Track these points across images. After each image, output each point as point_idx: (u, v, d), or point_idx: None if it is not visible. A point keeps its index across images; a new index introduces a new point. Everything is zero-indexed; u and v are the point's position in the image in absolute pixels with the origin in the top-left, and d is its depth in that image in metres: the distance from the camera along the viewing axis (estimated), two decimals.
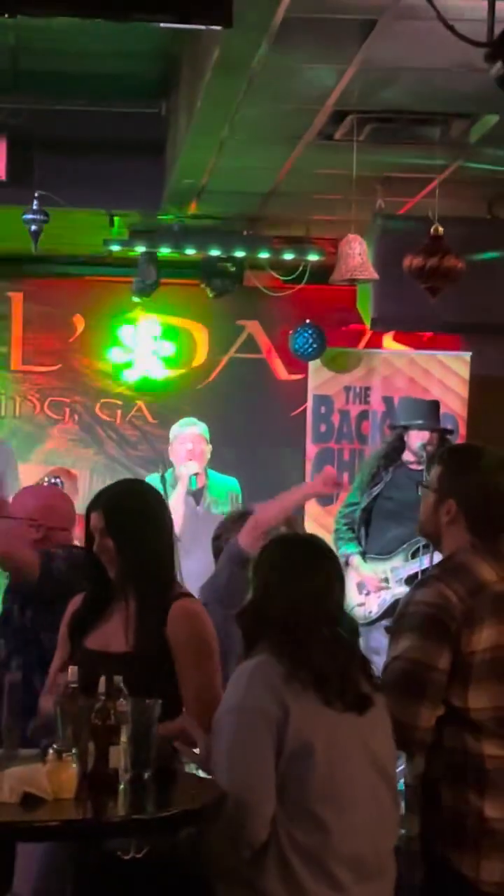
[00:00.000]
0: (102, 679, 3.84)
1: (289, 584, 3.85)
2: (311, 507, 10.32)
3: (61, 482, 8.45)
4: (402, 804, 4.05)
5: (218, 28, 4.60)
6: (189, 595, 4.51)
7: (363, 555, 8.78)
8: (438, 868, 3.93)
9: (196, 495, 8.85)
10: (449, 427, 9.45)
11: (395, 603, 8.38)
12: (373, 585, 8.68)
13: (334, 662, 3.78)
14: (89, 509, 4.54)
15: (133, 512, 4.49)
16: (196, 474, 8.79)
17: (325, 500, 10.30)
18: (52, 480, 8.49)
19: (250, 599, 3.92)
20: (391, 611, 8.36)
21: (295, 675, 3.71)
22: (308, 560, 3.92)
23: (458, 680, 3.89)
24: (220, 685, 4.27)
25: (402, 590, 8.42)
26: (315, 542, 4.11)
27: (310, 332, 10.20)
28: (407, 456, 8.88)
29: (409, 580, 8.44)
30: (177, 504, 8.45)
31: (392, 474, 8.88)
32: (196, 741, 4.16)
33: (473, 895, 3.89)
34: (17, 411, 11.01)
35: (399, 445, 8.93)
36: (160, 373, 10.96)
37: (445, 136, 7.31)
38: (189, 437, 8.97)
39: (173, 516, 4.77)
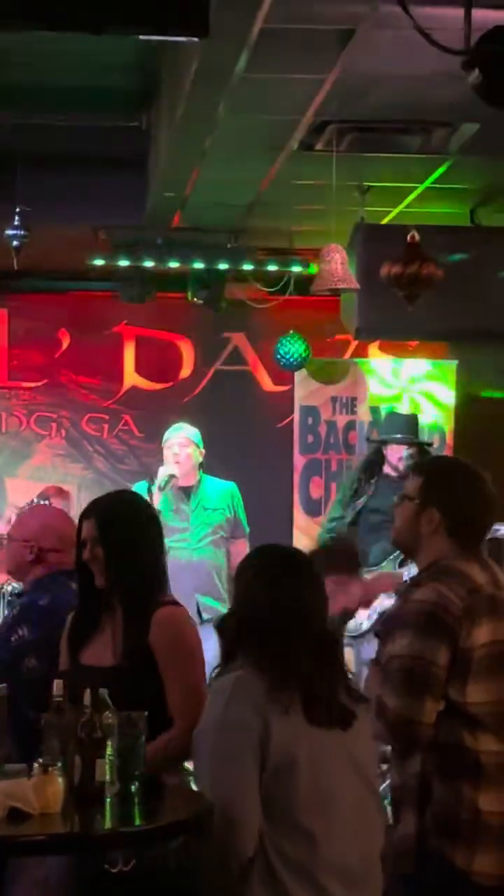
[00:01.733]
0: (88, 692, 3.83)
1: (270, 596, 3.83)
2: (300, 517, 10.33)
3: (49, 501, 8.44)
4: (389, 809, 4.06)
5: (195, 39, 4.60)
6: (174, 603, 4.47)
7: None
8: (432, 861, 3.96)
9: (187, 492, 8.77)
10: (427, 440, 9.45)
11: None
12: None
13: (319, 676, 3.76)
14: (82, 518, 4.55)
15: (124, 521, 4.50)
16: (171, 476, 8.74)
17: (313, 511, 10.32)
18: (42, 502, 8.48)
19: (231, 611, 3.92)
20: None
21: (278, 691, 3.70)
22: (289, 571, 3.90)
23: (457, 675, 3.93)
24: (199, 689, 4.24)
25: (390, 601, 8.39)
26: (296, 554, 4.09)
27: (294, 342, 10.20)
28: (387, 469, 8.88)
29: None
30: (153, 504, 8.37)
31: (375, 486, 8.87)
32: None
33: (466, 887, 3.93)
34: (3, 427, 11.00)
35: (378, 458, 8.93)
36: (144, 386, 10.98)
37: (426, 145, 7.32)
38: (175, 441, 8.94)
39: None
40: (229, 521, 8.92)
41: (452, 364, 10.51)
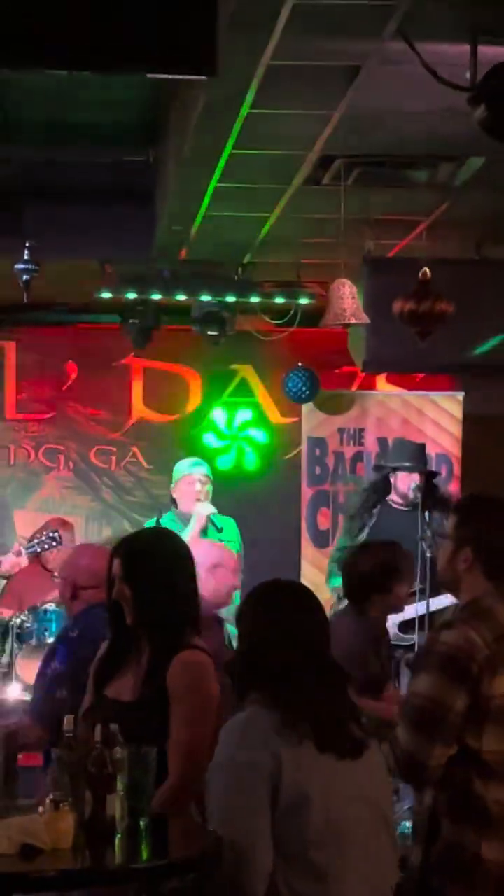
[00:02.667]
0: (99, 727, 3.84)
1: (273, 630, 3.84)
2: (307, 549, 10.33)
3: (59, 536, 8.47)
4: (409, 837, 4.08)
5: (203, 78, 4.63)
6: (198, 647, 4.42)
7: None
8: None
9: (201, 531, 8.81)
10: (434, 470, 9.46)
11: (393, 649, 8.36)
12: None
13: (328, 709, 3.77)
14: (112, 554, 4.56)
15: (150, 560, 4.48)
16: (212, 513, 8.78)
17: (321, 542, 10.32)
18: (50, 535, 8.50)
19: (238, 649, 3.92)
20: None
21: (289, 725, 3.70)
22: (292, 605, 3.91)
23: (475, 721, 3.94)
24: (196, 739, 4.19)
25: (393, 632, 8.40)
26: (297, 588, 4.09)
27: (303, 375, 10.22)
28: (393, 497, 8.88)
29: (403, 626, 8.40)
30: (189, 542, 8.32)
31: (377, 516, 8.88)
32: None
33: None
34: (11, 459, 11.02)
35: (385, 486, 8.93)
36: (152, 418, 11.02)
37: (432, 178, 7.35)
38: (197, 477, 8.96)
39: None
40: (239, 556, 8.94)
41: (459, 395, 10.53)
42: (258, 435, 11.11)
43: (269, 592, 4.00)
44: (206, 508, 8.76)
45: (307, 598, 3.99)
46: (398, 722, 3.99)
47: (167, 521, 8.71)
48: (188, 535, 8.55)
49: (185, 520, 8.72)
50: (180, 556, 4.57)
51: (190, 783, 4.06)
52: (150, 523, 8.78)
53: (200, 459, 9.24)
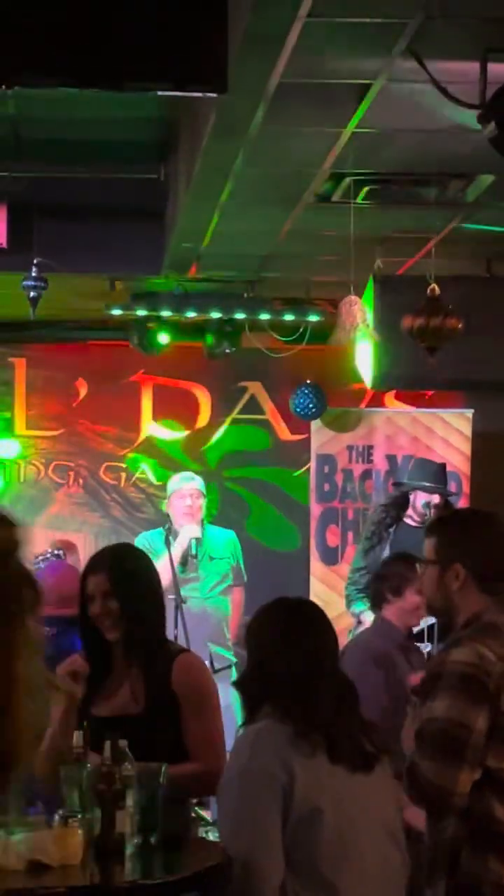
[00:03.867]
0: (108, 743, 3.84)
1: (283, 646, 3.86)
2: (316, 566, 10.32)
3: (63, 553, 8.48)
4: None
5: (214, 95, 4.64)
6: (186, 650, 4.64)
7: None
8: None
9: (185, 558, 8.78)
10: (452, 490, 9.48)
11: None
12: None
13: (340, 722, 3.77)
14: (87, 573, 4.59)
15: (135, 574, 4.58)
16: (197, 538, 8.77)
17: (329, 559, 10.32)
18: (55, 552, 8.51)
19: (249, 665, 3.93)
20: None
21: (302, 737, 3.71)
22: (302, 622, 3.93)
23: (496, 740, 3.82)
24: (222, 731, 4.38)
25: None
26: (306, 605, 4.14)
27: (310, 392, 10.23)
28: (409, 513, 8.90)
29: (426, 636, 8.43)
30: (166, 565, 8.22)
31: (394, 535, 8.90)
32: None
33: None
34: (21, 476, 11.03)
35: (402, 503, 8.96)
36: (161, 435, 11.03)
37: (442, 196, 7.36)
38: (188, 491, 8.96)
39: (161, 575, 4.89)
40: (234, 569, 8.96)
41: (468, 413, 10.52)
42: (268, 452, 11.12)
43: (278, 610, 4.02)
44: (192, 531, 8.75)
45: (315, 615, 4.01)
46: (415, 751, 3.85)
47: (153, 537, 8.71)
48: (169, 555, 8.40)
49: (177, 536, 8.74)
50: (153, 569, 4.73)
51: (218, 771, 4.07)
52: (155, 533, 8.79)
53: (193, 474, 9.24)
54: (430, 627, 8.39)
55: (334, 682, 3.86)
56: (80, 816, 3.72)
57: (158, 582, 4.67)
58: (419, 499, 8.90)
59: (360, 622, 8.63)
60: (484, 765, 3.81)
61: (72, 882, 3.59)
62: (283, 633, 3.89)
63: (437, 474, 9.09)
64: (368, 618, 8.70)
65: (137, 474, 11.06)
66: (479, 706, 3.79)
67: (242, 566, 9.04)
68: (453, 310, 7.29)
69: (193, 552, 8.74)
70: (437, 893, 3.92)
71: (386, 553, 8.80)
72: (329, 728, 3.75)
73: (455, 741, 3.78)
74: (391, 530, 8.91)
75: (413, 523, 8.87)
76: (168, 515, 9.01)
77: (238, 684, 3.94)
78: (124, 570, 4.56)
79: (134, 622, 4.46)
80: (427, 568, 4.12)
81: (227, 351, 10.10)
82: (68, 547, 9.12)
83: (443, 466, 9.31)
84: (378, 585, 6.64)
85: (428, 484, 8.92)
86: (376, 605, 6.62)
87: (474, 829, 3.84)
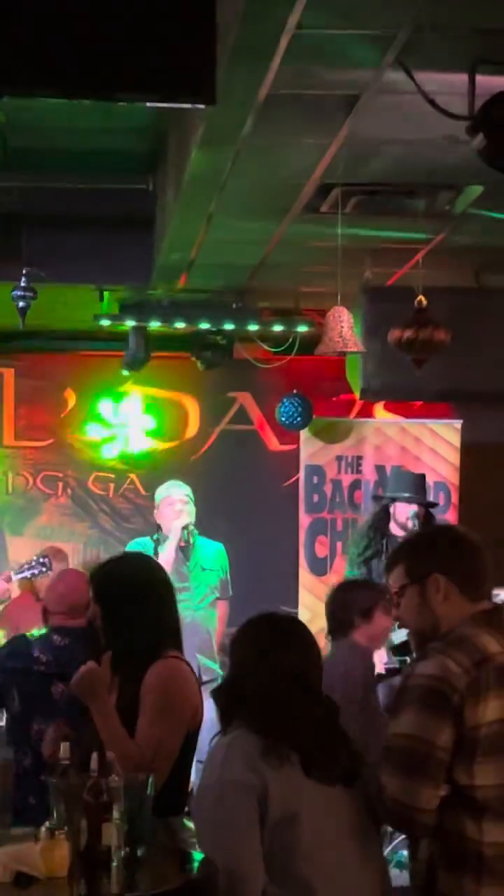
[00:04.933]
0: (95, 755, 3.83)
1: (262, 662, 3.86)
2: (305, 577, 10.32)
3: (49, 561, 8.46)
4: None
5: (202, 106, 4.64)
6: (172, 657, 4.53)
7: None
8: None
9: (185, 552, 8.84)
10: (432, 500, 9.48)
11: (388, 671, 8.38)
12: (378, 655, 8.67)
13: (316, 739, 3.77)
14: (90, 580, 4.75)
15: (118, 584, 4.63)
16: (187, 526, 8.83)
17: (318, 570, 10.31)
18: (40, 560, 8.49)
19: (226, 677, 3.95)
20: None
21: (273, 749, 3.71)
22: (281, 637, 3.93)
23: (463, 756, 3.70)
24: (155, 733, 4.33)
25: (390, 659, 8.44)
26: (288, 620, 4.12)
27: (296, 402, 10.23)
28: (392, 527, 8.92)
29: (400, 648, 8.43)
30: (167, 559, 8.49)
31: (383, 546, 8.91)
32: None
33: None
34: (9, 486, 11.02)
35: (384, 517, 8.97)
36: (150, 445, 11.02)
37: (431, 207, 7.36)
38: (177, 498, 9.00)
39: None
40: (222, 582, 8.98)
41: (457, 423, 10.53)
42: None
43: (260, 626, 4.02)
44: (181, 521, 8.81)
45: (299, 632, 4.01)
46: (380, 769, 3.74)
47: (142, 544, 8.75)
48: (167, 548, 8.58)
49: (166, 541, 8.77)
50: (149, 579, 4.68)
51: (126, 763, 4.08)
52: (143, 541, 8.84)
53: (178, 482, 9.26)
54: (405, 644, 8.42)
55: (312, 700, 3.85)
56: (66, 828, 3.70)
57: (152, 591, 4.62)
58: (398, 510, 8.91)
59: None
60: (452, 781, 3.71)
61: (58, 894, 3.59)
62: (262, 651, 3.90)
63: (415, 484, 9.10)
64: None
65: (126, 485, 11.05)
66: (441, 721, 3.68)
67: (229, 580, 9.06)
68: (441, 322, 7.29)
69: (188, 539, 8.78)
70: None
71: (377, 562, 8.83)
72: (301, 743, 3.74)
73: (416, 756, 3.67)
74: (383, 541, 8.93)
75: (397, 533, 8.88)
76: (158, 526, 9.03)
77: (214, 695, 3.95)
78: (105, 578, 4.67)
79: (113, 630, 4.53)
80: (405, 592, 3.99)
81: (217, 362, 10.10)
82: (56, 553, 9.09)
83: (421, 476, 9.31)
84: (345, 612, 6.53)
85: (406, 494, 8.93)
86: (343, 632, 6.48)
87: (447, 849, 3.74)
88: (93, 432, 11.02)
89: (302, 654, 3.91)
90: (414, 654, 4.00)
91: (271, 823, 3.67)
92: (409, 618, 3.99)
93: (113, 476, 11.09)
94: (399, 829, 3.85)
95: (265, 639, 3.94)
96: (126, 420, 11.01)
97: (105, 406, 10.97)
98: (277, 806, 3.67)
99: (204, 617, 8.83)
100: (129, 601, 4.56)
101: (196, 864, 3.79)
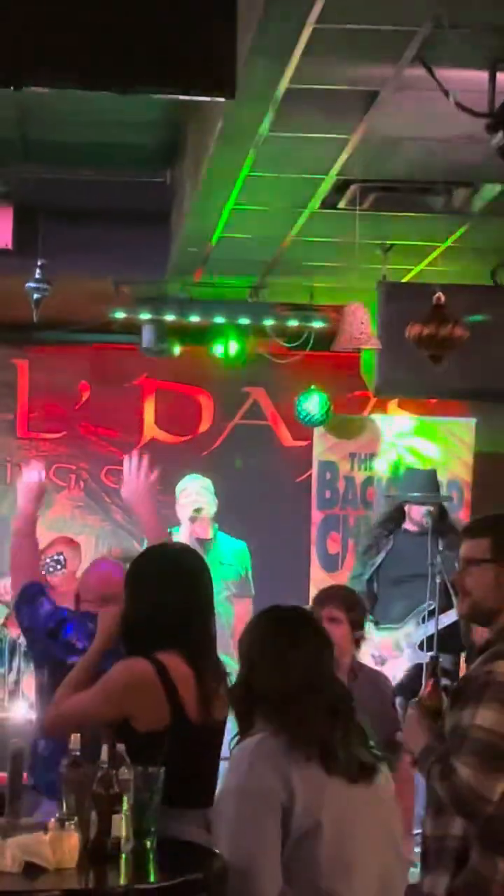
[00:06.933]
0: (105, 747, 3.84)
1: (274, 659, 3.81)
2: (316, 573, 10.32)
3: (63, 558, 8.46)
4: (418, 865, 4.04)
5: (222, 100, 4.64)
6: (149, 658, 4.44)
7: (375, 623, 8.78)
8: None
9: (203, 545, 8.80)
10: (447, 495, 9.48)
11: (417, 667, 8.38)
12: (388, 653, 8.67)
13: (333, 734, 3.74)
14: None
15: (137, 572, 4.66)
16: (199, 509, 8.81)
17: (330, 567, 10.31)
18: (55, 558, 8.49)
19: (239, 678, 3.90)
20: (414, 675, 8.36)
21: (297, 749, 3.68)
22: (292, 632, 3.88)
23: None
24: (80, 702, 4.48)
25: (420, 654, 8.47)
26: (298, 613, 4.05)
27: (314, 399, 10.23)
28: (407, 524, 8.93)
29: (426, 644, 8.48)
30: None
31: (393, 542, 8.91)
32: None
33: None
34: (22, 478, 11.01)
35: (398, 515, 8.98)
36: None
37: (448, 204, 7.36)
38: (193, 490, 8.99)
39: None
40: (242, 579, 8.95)
41: (471, 422, 10.52)
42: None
43: (268, 622, 3.97)
44: (191, 508, 8.80)
45: (311, 625, 3.97)
46: (455, 754, 3.86)
47: None
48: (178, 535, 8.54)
49: (190, 541, 8.72)
50: (175, 573, 4.64)
51: (54, 725, 4.42)
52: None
53: (197, 474, 9.25)
54: (429, 639, 8.43)
55: (327, 694, 3.83)
56: (76, 820, 3.71)
57: (161, 585, 4.58)
58: (414, 509, 8.92)
59: None
60: None
61: (67, 885, 3.58)
62: (271, 643, 3.85)
63: (428, 482, 9.10)
64: (370, 630, 8.72)
65: None
66: None
67: (251, 579, 9.04)
68: (460, 319, 7.28)
69: (200, 511, 8.76)
70: (437, 883, 3.93)
71: (380, 559, 8.85)
72: (323, 740, 3.72)
73: (498, 753, 3.82)
74: (391, 537, 8.93)
75: (413, 530, 8.89)
76: (175, 521, 9.02)
77: (229, 694, 3.93)
78: (132, 566, 4.71)
79: (127, 620, 4.56)
80: (480, 567, 4.05)
81: (232, 357, 10.09)
82: (68, 544, 9.08)
83: (433, 473, 9.31)
84: None
85: (418, 494, 8.94)
86: None
87: (486, 831, 3.86)
88: (107, 425, 11.01)
89: (312, 647, 3.86)
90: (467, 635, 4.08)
91: (294, 834, 3.63)
92: (479, 591, 4.05)
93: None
94: (461, 811, 3.88)
95: (272, 635, 3.89)
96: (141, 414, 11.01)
97: (121, 399, 10.95)
98: (302, 815, 3.63)
99: (220, 612, 8.80)
100: (144, 595, 4.57)
101: (206, 860, 3.79)
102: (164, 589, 4.54)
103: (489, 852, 3.87)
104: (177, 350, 10.05)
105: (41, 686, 5.52)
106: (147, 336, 9.94)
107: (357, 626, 6.20)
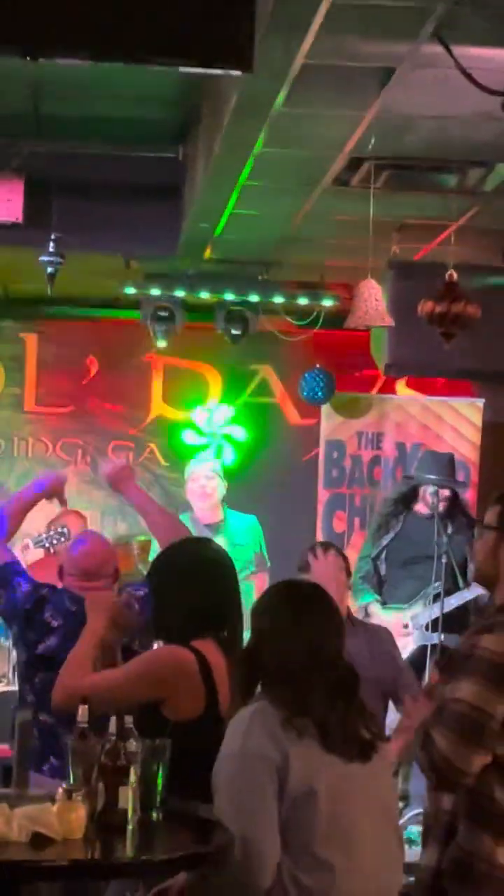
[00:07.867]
0: (113, 719, 3.84)
1: (281, 632, 3.85)
2: None
3: (68, 531, 8.44)
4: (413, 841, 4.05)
5: (238, 73, 4.62)
6: (186, 646, 4.49)
7: (382, 604, 8.79)
8: None
9: (213, 529, 8.80)
10: (463, 482, 9.50)
11: (423, 648, 8.41)
12: (395, 633, 8.69)
13: (333, 711, 3.77)
14: None
15: (162, 565, 4.75)
16: (210, 524, 8.80)
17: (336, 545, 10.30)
18: (59, 530, 8.47)
19: (246, 646, 3.93)
20: (420, 656, 8.38)
21: (292, 722, 3.71)
22: (301, 608, 3.91)
23: None
24: (112, 685, 4.47)
25: (427, 635, 8.49)
26: (310, 590, 4.07)
27: (319, 377, 10.22)
28: (419, 506, 8.93)
29: (431, 626, 8.50)
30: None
31: (403, 523, 8.92)
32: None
33: None
34: (29, 452, 11.03)
35: (411, 495, 8.98)
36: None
37: (461, 184, 7.34)
38: (202, 473, 8.99)
39: None
40: (257, 556, 8.96)
41: (479, 402, 10.51)
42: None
43: (279, 596, 4.00)
44: (208, 503, 8.78)
45: (318, 600, 3.98)
46: (431, 724, 3.87)
47: None
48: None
49: (199, 526, 8.70)
50: (192, 566, 4.68)
51: (71, 699, 4.28)
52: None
53: (209, 456, 9.25)
54: (435, 621, 8.45)
55: (330, 671, 3.84)
56: (83, 791, 3.72)
57: (193, 578, 4.62)
58: (429, 490, 8.92)
59: (367, 614, 8.65)
60: (492, 750, 3.84)
61: (74, 856, 3.60)
62: (279, 617, 3.88)
63: (446, 466, 9.10)
64: (376, 610, 8.73)
65: (145, 454, 11.06)
66: (501, 695, 3.82)
67: (265, 552, 9.04)
68: (472, 297, 7.28)
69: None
70: (431, 856, 3.95)
71: (388, 540, 8.86)
72: (321, 716, 3.74)
73: (475, 726, 3.81)
74: (401, 517, 8.94)
75: (424, 512, 8.90)
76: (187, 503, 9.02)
77: (236, 663, 3.95)
78: (154, 564, 4.80)
79: (162, 608, 4.63)
80: (485, 533, 4.10)
81: (241, 334, 10.07)
82: (74, 519, 9.07)
83: (451, 457, 9.31)
84: None
85: (436, 477, 8.93)
86: None
87: (473, 806, 3.87)
88: (115, 400, 11.01)
89: (322, 623, 3.89)
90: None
91: (289, 798, 3.67)
92: (480, 555, 4.12)
93: (132, 445, 11.08)
94: (438, 781, 3.90)
95: (284, 608, 3.92)
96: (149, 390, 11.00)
97: (129, 375, 10.95)
98: (297, 781, 3.67)
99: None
100: (164, 588, 4.66)
101: (213, 832, 3.80)
102: (204, 579, 4.60)
103: (475, 826, 3.88)
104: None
105: (20, 663, 5.56)
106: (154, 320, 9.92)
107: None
